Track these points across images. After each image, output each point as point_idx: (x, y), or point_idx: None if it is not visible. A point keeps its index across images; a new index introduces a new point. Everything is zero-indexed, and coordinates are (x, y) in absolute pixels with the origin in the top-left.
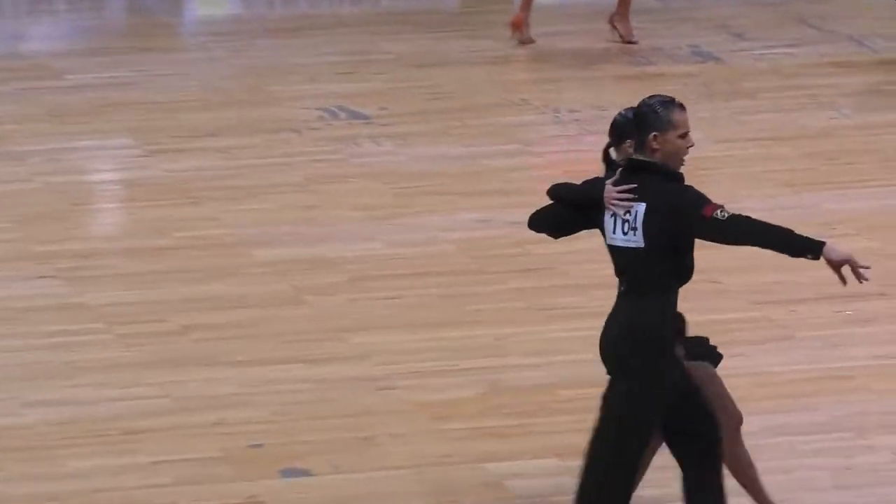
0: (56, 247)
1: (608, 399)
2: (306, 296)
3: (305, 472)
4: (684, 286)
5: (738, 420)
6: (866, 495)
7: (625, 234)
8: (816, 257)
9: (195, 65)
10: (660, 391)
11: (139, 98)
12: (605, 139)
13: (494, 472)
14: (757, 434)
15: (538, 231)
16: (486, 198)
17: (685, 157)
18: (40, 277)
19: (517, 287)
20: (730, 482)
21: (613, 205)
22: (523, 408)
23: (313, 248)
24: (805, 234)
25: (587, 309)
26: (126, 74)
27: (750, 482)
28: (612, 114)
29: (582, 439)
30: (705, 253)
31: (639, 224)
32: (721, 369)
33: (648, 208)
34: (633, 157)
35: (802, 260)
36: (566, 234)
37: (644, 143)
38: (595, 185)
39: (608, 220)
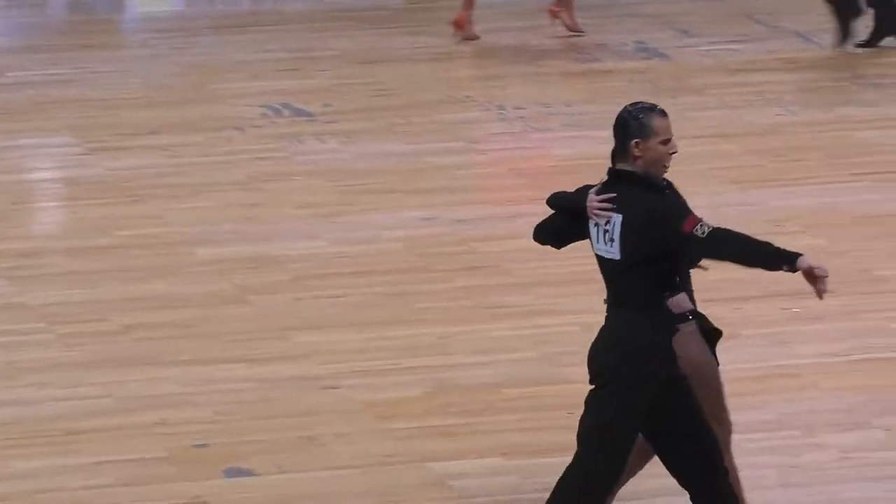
0: None
1: (589, 405)
2: (249, 295)
3: (249, 472)
4: None
5: (728, 430)
6: (814, 493)
7: (605, 244)
8: (793, 269)
9: (137, 62)
10: (640, 397)
11: (80, 95)
12: (551, 136)
13: (440, 471)
14: None
15: (542, 243)
16: (431, 195)
17: (668, 164)
18: None
19: (462, 285)
20: None
21: (595, 214)
22: (468, 407)
23: (257, 247)
24: (782, 247)
25: (532, 307)
26: (67, 72)
27: None
28: (558, 110)
29: (527, 438)
30: None
31: (616, 235)
32: None
33: (625, 220)
34: (615, 166)
35: None
36: (568, 244)
37: (626, 151)
38: (583, 193)
39: (592, 230)
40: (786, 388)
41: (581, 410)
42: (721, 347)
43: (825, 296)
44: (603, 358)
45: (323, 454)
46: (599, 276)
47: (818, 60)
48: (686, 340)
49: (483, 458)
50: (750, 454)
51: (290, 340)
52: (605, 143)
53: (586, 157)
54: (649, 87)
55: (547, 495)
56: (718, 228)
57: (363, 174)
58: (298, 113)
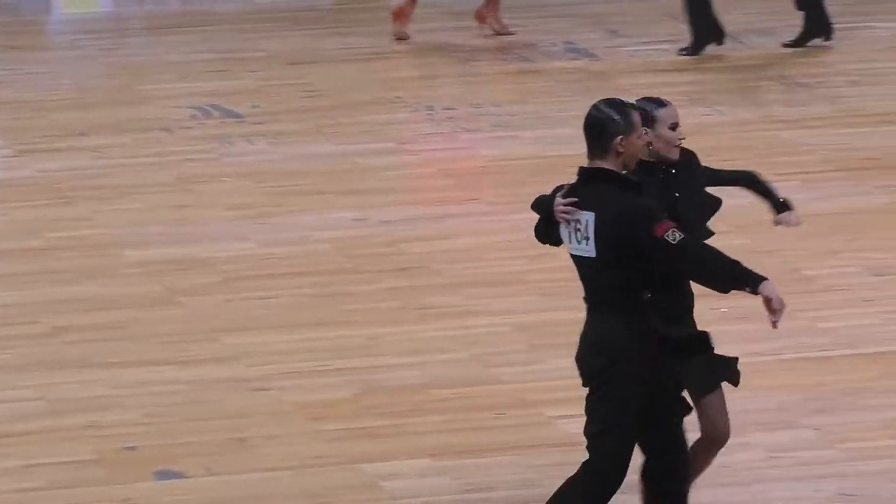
0: None
1: (587, 412)
2: (179, 296)
3: (180, 475)
4: None
5: (723, 439)
6: (742, 493)
7: (579, 242)
8: (755, 292)
9: (66, 63)
10: (631, 399)
11: (9, 97)
12: (480, 136)
13: (370, 472)
14: None
15: (543, 243)
16: (360, 196)
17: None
18: None
19: (391, 286)
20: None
21: (561, 218)
22: (397, 408)
23: (186, 249)
24: (749, 268)
25: (461, 308)
26: None
27: None
28: (487, 111)
29: (455, 439)
30: None
31: (590, 233)
32: None
33: (598, 217)
34: (587, 165)
35: None
36: (560, 244)
37: (608, 148)
38: (555, 195)
39: (563, 232)
40: None
41: (510, 411)
42: None
43: (751, 295)
44: (591, 363)
45: (254, 456)
46: (530, 277)
47: (745, 60)
48: None
49: (413, 459)
50: None
51: (220, 342)
52: (533, 143)
53: (515, 158)
54: (578, 87)
55: (477, 495)
56: (690, 238)
57: (292, 175)
58: (228, 114)
